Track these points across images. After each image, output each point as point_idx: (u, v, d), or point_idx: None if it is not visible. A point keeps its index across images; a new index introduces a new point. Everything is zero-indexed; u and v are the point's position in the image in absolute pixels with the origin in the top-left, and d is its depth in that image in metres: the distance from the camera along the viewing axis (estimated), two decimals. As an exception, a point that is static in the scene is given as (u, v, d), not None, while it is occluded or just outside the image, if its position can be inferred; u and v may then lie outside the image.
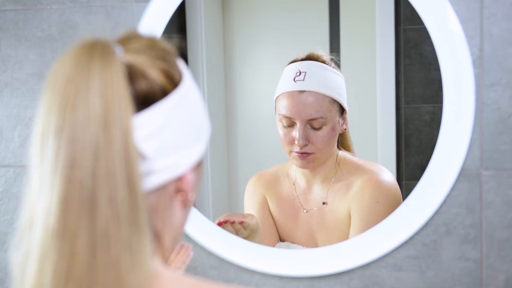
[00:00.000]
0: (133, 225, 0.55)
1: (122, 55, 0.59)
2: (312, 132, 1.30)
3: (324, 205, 1.35)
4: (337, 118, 1.32)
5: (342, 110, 1.32)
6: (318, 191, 1.37)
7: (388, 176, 1.33)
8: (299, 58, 1.34)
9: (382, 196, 1.31)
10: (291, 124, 1.31)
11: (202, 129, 0.66)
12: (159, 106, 0.60)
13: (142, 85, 0.59)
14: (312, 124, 1.30)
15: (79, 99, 0.55)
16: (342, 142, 1.37)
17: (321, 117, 1.29)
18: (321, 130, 1.30)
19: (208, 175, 1.50)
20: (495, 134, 1.17)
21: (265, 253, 1.32)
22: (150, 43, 0.63)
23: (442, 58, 1.17)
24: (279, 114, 1.33)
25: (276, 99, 1.35)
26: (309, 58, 1.34)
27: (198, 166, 0.67)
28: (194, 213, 1.38)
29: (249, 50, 1.50)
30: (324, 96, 1.30)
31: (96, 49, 0.57)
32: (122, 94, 0.56)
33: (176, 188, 0.63)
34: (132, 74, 0.59)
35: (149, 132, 0.59)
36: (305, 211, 1.37)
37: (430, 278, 1.24)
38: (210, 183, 1.50)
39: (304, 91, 1.30)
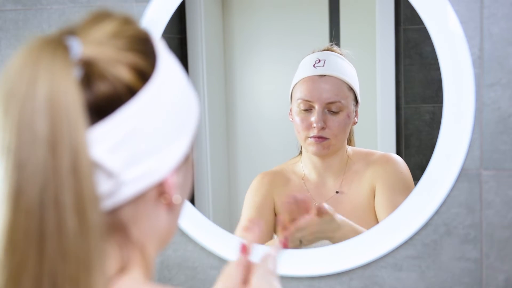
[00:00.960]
0: (82, 260, 0.49)
1: (80, 50, 0.51)
2: (329, 117, 1.33)
3: (337, 194, 1.37)
4: (352, 107, 1.35)
5: (356, 102, 1.35)
6: (330, 183, 1.38)
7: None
8: (316, 50, 1.37)
9: (403, 167, 1.34)
10: (309, 108, 1.34)
11: (186, 120, 0.58)
12: (125, 110, 0.52)
13: (102, 88, 0.51)
14: (330, 108, 1.32)
15: (23, 117, 0.48)
16: (349, 139, 1.39)
17: (339, 102, 1.32)
18: (338, 116, 1.33)
19: (208, 175, 1.50)
20: (495, 134, 1.17)
21: (265, 253, 1.32)
22: (118, 29, 0.54)
23: (442, 58, 1.17)
24: (298, 99, 1.35)
25: (293, 87, 1.37)
26: (327, 50, 1.38)
27: (186, 162, 0.59)
28: (194, 213, 1.38)
29: (249, 50, 1.50)
30: (343, 82, 1.33)
31: (45, 52, 0.49)
32: (72, 107, 0.48)
33: (158, 192, 0.57)
34: (90, 75, 0.51)
35: (114, 143, 0.51)
36: (317, 203, 1.37)
37: (430, 278, 1.24)
38: (210, 183, 1.50)
39: (325, 75, 1.33)
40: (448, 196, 1.21)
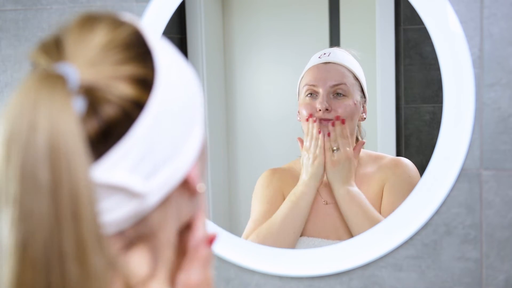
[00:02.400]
0: None
1: (77, 77, 0.49)
2: (335, 101, 1.33)
3: None
4: (359, 98, 1.35)
5: (363, 95, 1.35)
6: None
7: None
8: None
9: (412, 172, 1.33)
10: (314, 95, 1.34)
11: (195, 110, 0.57)
12: (138, 127, 0.50)
13: (109, 112, 0.49)
14: (335, 91, 1.33)
15: (26, 166, 0.47)
16: (357, 138, 1.39)
17: (344, 84, 1.33)
18: (343, 99, 1.33)
19: (208, 176, 1.50)
20: (495, 134, 1.17)
21: (265, 253, 1.32)
22: (106, 39, 0.51)
23: (442, 58, 1.17)
24: (303, 87, 1.36)
25: (300, 81, 1.38)
26: (334, 47, 1.39)
27: (201, 153, 0.58)
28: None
29: (249, 50, 1.50)
30: (348, 70, 1.34)
31: (42, 91, 0.47)
32: (72, 150, 0.47)
33: (181, 186, 0.56)
34: (95, 102, 0.49)
35: (134, 162, 0.50)
36: (325, 203, 1.37)
37: (430, 278, 1.24)
38: (210, 184, 1.50)
39: (329, 62, 1.35)
40: (448, 196, 1.21)
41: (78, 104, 0.49)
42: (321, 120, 1.33)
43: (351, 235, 1.32)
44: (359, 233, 1.29)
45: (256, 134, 1.52)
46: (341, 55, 1.36)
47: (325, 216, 1.36)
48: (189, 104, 0.56)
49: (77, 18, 0.53)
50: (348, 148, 1.32)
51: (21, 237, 0.47)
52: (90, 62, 0.50)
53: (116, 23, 0.53)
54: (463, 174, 1.20)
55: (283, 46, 1.49)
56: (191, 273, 0.60)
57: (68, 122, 0.47)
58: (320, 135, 1.33)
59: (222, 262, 1.34)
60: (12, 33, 1.41)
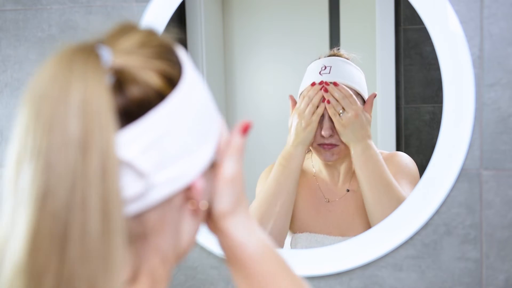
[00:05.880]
0: (101, 263, 0.49)
1: (110, 59, 0.52)
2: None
3: (348, 192, 1.37)
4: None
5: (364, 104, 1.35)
6: (341, 181, 1.38)
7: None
8: (323, 55, 1.37)
9: (407, 161, 1.34)
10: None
11: (210, 126, 0.59)
12: (155, 114, 0.53)
13: (134, 92, 0.52)
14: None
15: (56, 120, 0.49)
16: None
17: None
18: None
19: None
20: (495, 134, 1.18)
21: (265, 253, 1.32)
22: (144, 39, 0.55)
23: (442, 58, 1.17)
24: None
25: (300, 94, 1.37)
26: (332, 55, 1.37)
27: (212, 168, 0.60)
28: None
29: (249, 50, 1.50)
30: (349, 88, 1.32)
31: (77, 59, 0.51)
32: (104, 111, 0.49)
33: (185, 197, 0.57)
34: (122, 81, 0.52)
35: (145, 145, 0.52)
36: (327, 200, 1.37)
37: (430, 278, 1.24)
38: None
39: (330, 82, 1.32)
40: (448, 196, 1.21)
41: (108, 79, 0.51)
42: (323, 146, 1.33)
43: (353, 231, 1.32)
44: (371, 198, 1.29)
45: (256, 133, 1.52)
46: (342, 70, 1.34)
47: (327, 213, 1.36)
48: (207, 120, 0.59)
49: (118, 22, 0.57)
50: (354, 106, 1.31)
51: (43, 187, 0.48)
52: (125, 51, 0.54)
53: (153, 32, 0.58)
54: (463, 174, 1.20)
55: (283, 46, 1.49)
56: (227, 166, 0.61)
57: (100, 88, 0.50)
58: (322, 105, 1.31)
59: (222, 262, 1.34)
60: (12, 33, 1.41)
